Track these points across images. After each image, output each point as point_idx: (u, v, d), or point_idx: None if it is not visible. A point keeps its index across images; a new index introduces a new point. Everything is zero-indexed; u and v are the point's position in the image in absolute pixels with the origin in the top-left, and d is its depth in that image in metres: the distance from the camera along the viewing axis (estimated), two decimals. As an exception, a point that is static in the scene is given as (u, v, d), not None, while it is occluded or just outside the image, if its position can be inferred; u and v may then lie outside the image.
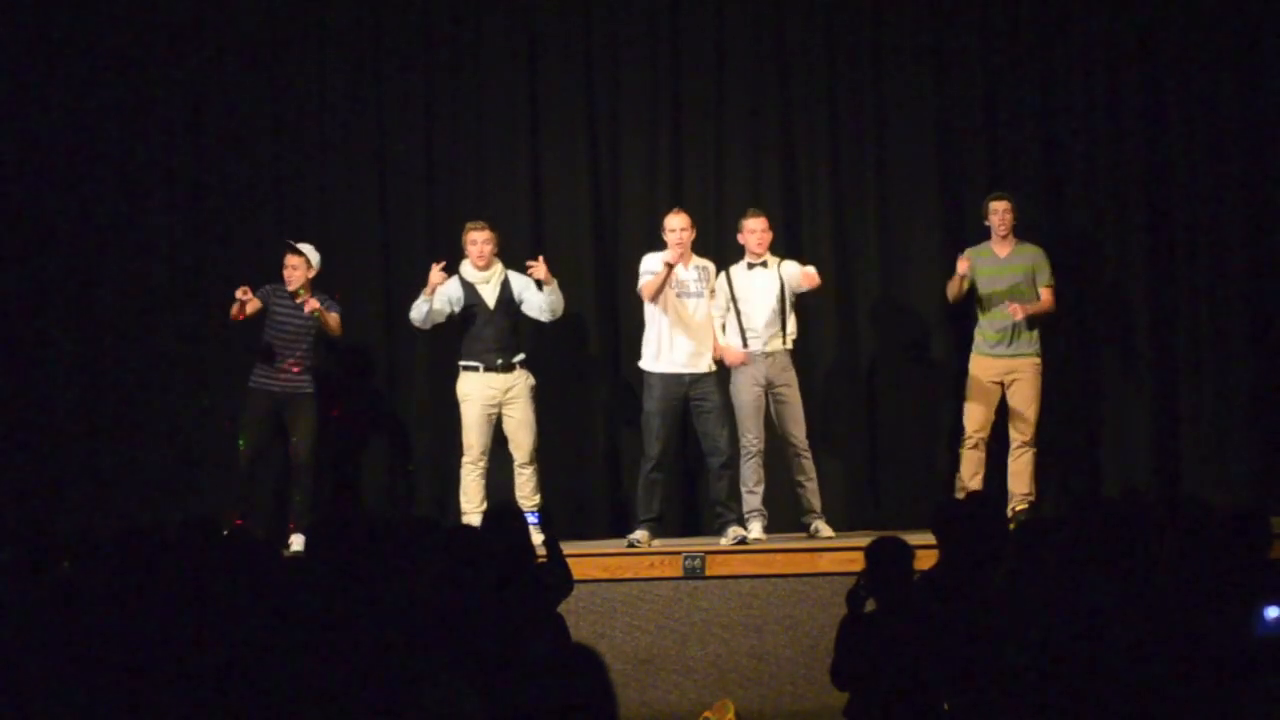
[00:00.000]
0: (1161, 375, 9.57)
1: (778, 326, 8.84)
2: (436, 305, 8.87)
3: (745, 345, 8.79)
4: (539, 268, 8.79)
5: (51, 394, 9.73)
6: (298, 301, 8.92)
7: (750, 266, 8.91)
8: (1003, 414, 9.01)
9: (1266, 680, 4.40)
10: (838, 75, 9.78)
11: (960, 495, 8.56)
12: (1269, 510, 5.44)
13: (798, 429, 8.82)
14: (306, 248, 9.03)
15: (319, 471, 9.19)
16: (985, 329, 9.03)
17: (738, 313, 8.85)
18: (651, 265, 8.76)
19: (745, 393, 8.77)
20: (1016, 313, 8.85)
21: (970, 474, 8.95)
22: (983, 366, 9.02)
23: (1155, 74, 9.64)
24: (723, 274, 8.93)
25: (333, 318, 8.97)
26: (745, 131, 9.78)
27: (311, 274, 9.01)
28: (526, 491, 8.90)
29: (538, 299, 8.93)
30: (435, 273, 8.79)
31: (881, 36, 9.75)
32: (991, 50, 9.71)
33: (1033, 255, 9.04)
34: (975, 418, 8.98)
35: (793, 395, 8.82)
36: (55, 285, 9.75)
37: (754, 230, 8.90)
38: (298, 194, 9.87)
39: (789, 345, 8.87)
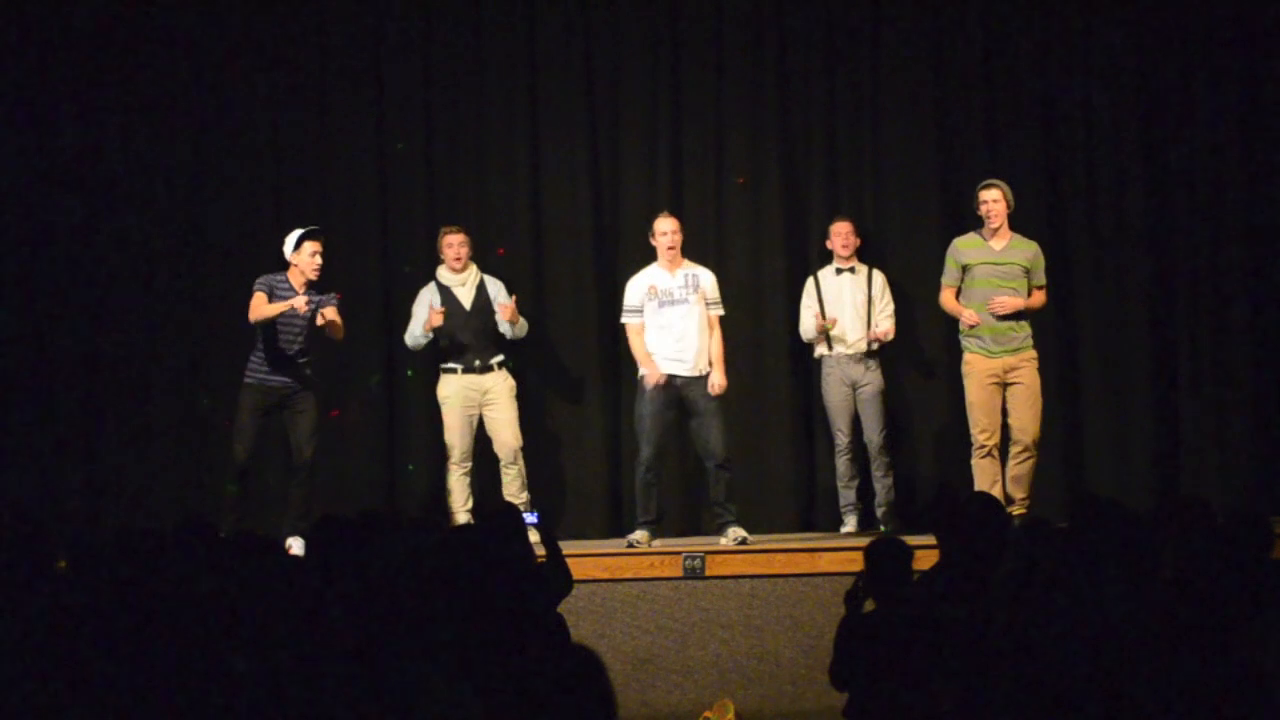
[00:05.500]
0: (1161, 376, 9.56)
1: (863, 330, 8.99)
2: (426, 334, 9.02)
3: (830, 348, 9.02)
4: (508, 309, 8.94)
5: (50, 394, 9.71)
6: (305, 310, 8.56)
7: (839, 271, 9.11)
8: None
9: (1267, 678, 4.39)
10: (837, 76, 9.78)
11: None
12: (1269, 510, 5.44)
13: (873, 430, 8.99)
14: (296, 235, 8.82)
15: (316, 470, 9.14)
16: (979, 326, 8.67)
17: (824, 316, 9.01)
18: (633, 298, 8.86)
19: (833, 391, 9.03)
20: (1003, 306, 8.63)
21: (989, 485, 8.56)
22: (980, 366, 8.69)
23: (1155, 68, 9.65)
24: (811, 278, 9.15)
25: (339, 323, 8.71)
26: (746, 131, 9.78)
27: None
28: (514, 490, 8.96)
29: (502, 325, 9.09)
30: (435, 316, 8.92)
31: (881, 35, 9.75)
32: (992, 49, 9.71)
33: (1030, 252, 8.77)
34: (981, 424, 8.66)
35: (870, 395, 8.99)
36: (54, 285, 9.74)
37: (840, 234, 9.10)
38: (298, 194, 9.86)
39: (876, 347, 9.03)
